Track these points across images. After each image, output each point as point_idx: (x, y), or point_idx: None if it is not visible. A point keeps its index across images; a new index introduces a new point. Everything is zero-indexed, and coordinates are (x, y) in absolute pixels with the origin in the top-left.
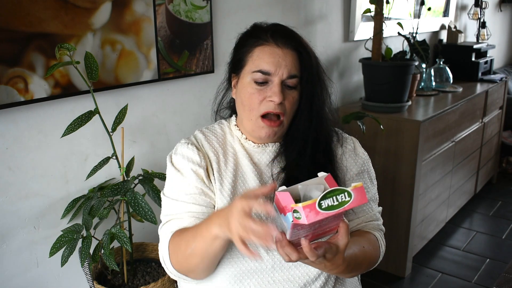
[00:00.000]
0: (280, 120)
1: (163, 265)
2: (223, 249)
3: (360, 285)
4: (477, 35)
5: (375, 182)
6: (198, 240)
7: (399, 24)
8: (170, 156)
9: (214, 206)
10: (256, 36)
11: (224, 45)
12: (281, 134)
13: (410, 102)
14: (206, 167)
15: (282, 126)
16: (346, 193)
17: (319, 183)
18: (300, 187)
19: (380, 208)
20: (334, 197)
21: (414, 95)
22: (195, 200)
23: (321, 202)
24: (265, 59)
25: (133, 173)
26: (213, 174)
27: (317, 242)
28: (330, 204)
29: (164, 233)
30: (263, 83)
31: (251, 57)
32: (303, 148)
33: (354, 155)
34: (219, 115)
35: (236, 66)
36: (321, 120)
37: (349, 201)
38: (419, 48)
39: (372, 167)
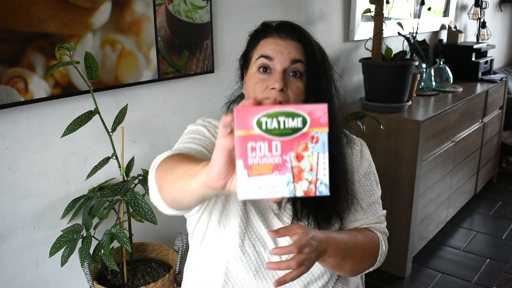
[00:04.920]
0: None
1: (149, 186)
2: (199, 189)
3: (363, 285)
4: (477, 35)
5: (379, 185)
6: (186, 166)
7: (399, 24)
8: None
9: None
10: (262, 31)
11: (224, 45)
12: None
13: (410, 102)
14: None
15: None
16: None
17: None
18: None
19: (385, 211)
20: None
21: (414, 95)
22: (200, 142)
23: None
24: (268, 46)
25: (133, 173)
26: None
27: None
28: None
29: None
30: (266, 70)
31: (256, 49)
32: None
33: (361, 157)
34: (231, 110)
35: (245, 61)
36: (329, 113)
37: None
38: (419, 48)
39: (375, 170)
